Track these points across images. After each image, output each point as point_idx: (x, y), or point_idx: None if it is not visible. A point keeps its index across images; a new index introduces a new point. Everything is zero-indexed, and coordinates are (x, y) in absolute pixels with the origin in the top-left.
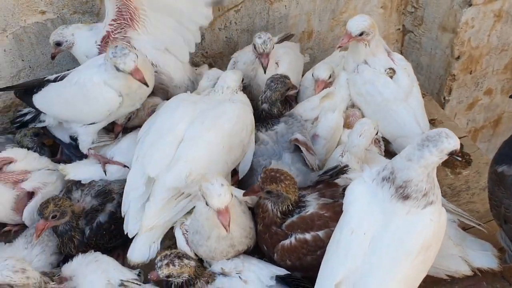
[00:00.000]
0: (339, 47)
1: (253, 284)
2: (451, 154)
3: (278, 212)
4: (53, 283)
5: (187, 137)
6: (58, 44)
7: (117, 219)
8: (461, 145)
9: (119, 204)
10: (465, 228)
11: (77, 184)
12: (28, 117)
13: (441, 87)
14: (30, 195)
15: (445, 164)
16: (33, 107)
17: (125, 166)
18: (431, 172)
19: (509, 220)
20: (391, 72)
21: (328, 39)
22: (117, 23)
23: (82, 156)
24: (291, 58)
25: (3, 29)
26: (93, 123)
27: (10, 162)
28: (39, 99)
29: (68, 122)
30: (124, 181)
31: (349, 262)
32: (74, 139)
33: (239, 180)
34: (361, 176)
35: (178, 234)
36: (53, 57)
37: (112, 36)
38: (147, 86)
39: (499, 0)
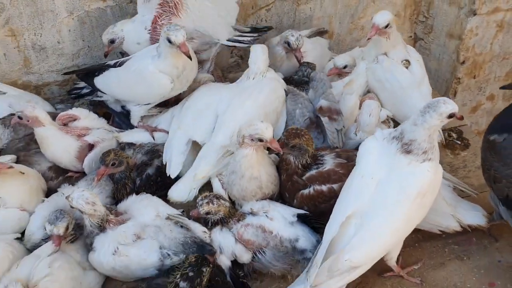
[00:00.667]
0: (368, 38)
1: (277, 220)
2: (451, 116)
3: (299, 164)
4: (112, 215)
5: (227, 109)
6: (112, 41)
7: (162, 173)
8: (461, 131)
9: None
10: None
11: (129, 144)
12: (84, 90)
13: (447, 90)
14: (91, 147)
15: (446, 146)
16: (94, 87)
17: (167, 132)
18: (432, 134)
19: (498, 180)
20: (407, 63)
21: (347, 40)
22: (163, 10)
23: (131, 124)
24: (317, 53)
25: (70, 12)
26: (147, 104)
27: (75, 120)
28: (100, 82)
29: (125, 102)
30: None
31: (358, 200)
32: (124, 108)
33: None
34: (373, 135)
35: (215, 182)
36: (106, 55)
37: (159, 22)
38: (191, 59)
39: (501, 11)
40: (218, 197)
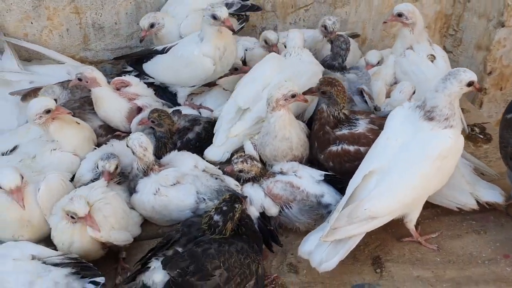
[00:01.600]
0: (384, 22)
1: (305, 179)
2: (469, 85)
3: (331, 115)
4: (156, 165)
5: (272, 83)
6: (152, 25)
7: (201, 138)
8: (484, 127)
9: (204, 128)
10: None
11: (176, 111)
12: (132, 74)
13: (473, 101)
14: (139, 110)
15: (469, 139)
16: (143, 73)
17: (211, 110)
18: (453, 101)
19: None
20: (432, 57)
21: (378, 47)
22: None
23: (174, 99)
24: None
25: None
26: (192, 86)
27: (126, 86)
28: (149, 67)
29: (172, 85)
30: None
31: (382, 158)
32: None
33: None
34: (401, 105)
35: (247, 144)
36: (141, 40)
37: None
38: (233, 31)
39: None
40: (252, 158)
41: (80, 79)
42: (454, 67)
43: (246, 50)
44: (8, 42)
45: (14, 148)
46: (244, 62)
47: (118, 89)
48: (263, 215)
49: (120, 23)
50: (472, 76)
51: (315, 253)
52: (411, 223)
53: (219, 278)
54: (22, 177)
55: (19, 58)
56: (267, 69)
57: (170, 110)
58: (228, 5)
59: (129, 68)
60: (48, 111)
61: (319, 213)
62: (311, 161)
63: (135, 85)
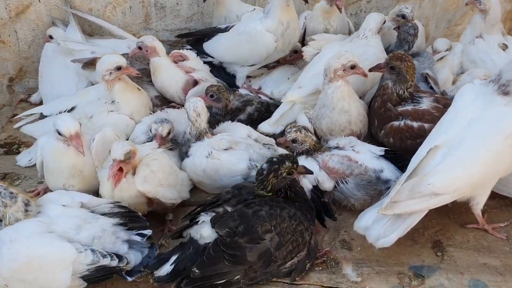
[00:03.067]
0: (466, 4)
1: (364, 153)
2: None
3: (395, 93)
4: (210, 133)
5: None
6: None
7: (253, 120)
8: None
9: (257, 109)
10: None
11: (232, 90)
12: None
13: None
14: (195, 83)
15: None
16: (204, 53)
17: (270, 98)
18: None
19: None
20: (504, 46)
21: None
22: None
23: (228, 78)
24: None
25: None
26: (252, 65)
27: (184, 60)
28: (209, 46)
29: (231, 64)
30: None
31: (450, 132)
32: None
33: None
34: (471, 82)
35: (302, 116)
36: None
37: None
38: (307, 2)
39: None
40: (306, 129)
41: (140, 48)
42: None
43: (305, 18)
44: (74, 14)
45: (72, 109)
46: (304, 34)
47: (175, 62)
48: (316, 188)
49: (181, 4)
50: None
51: (372, 229)
52: (477, 207)
53: (270, 243)
54: (80, 125)
55: (83, 32)
56: (335, 49)
57: None
58: None
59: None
60: (119, 68)
61: (378, 188)
62: (370, 141)
63: (193, 59)
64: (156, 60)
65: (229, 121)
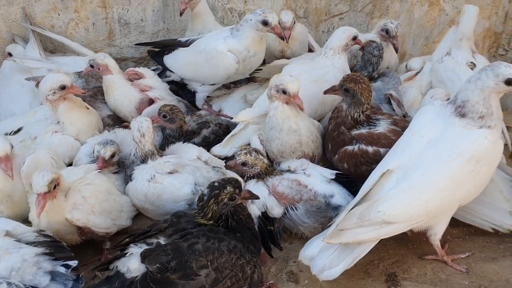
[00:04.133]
0: None
1: (314, 177)
2: (509, 83)
3: (349, 116)
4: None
5: None
6: None
7: (208, 143)
8: None
9: (212, 131)
10: None
11: (191, 112)
12: (156, 72)
13: None
14: (150, 102)
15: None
16: (163, 66)
17: (231, 118)
18: (487, 97)
19: None
20: (472, 65)
21: None
22: None
23: (191, 97)
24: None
25: None
26: (213, 84)
27: (140, 78)
28: (169, 60)
29: (191, 81)
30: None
31: (404, 155)
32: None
33: None
34: (431, 102)
35: (254, 139)
36: (181, 13)
37: None
38: (283, 40)
39: None
40: (257, 151)
41: (92, 66)
42: None
43: None
44: (34, 31)
45: (19, 130)
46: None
47: (131, 81)
48: (265, 215)
49: (146, 20)
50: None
51: (317, 259)
52: (436, 238)
53: (206, 279)
54: (12, 147)
55: (45, 50)
56: (296, 69)
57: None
58: None
59: (154, 66)
60: (63, 88)
61: (327, 215)
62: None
63: (149, 77)
64: (108, 78)
65: (181, 142)
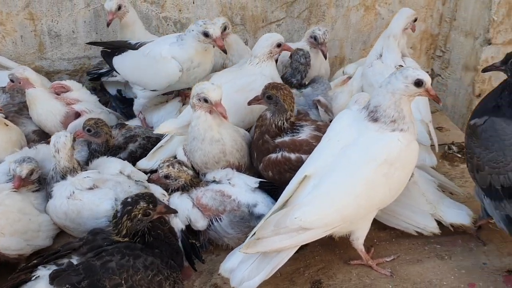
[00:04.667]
0: None
1: (239, 187)
2: (418, 84)
3: (274, 124)
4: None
5: None
6: (119, 7)
7: (135, 157)
8: (463, 146)
9: (139, 145)
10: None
11: (120, 125)
12: (102, 71)
13: (463, 126)
14: (77, 115)
15: (445, 158)
16: (111, 66)
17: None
18: (398, 101)
19: (480, 168)
20: (400, 68)
21: None
22: None
23: (125, 107)
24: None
25: (88, 4)
26: (154, 90)
27: (67, 91)
28: (117, 62)
29: (134, 84)
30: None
31: (320, 161)
32: (120, 93)
33: None
34: (348, 108)
35: (179, 150)
36: (108, 24)
37: None
38: (226, 53)
39: None
40: (180, 163)
41: (12, 80)
42: (441, 91)
43: None
44: None
45: None
46: None
47: (58, 94)
48: (190, 228)
49: (77, 31)
50: (420, 75)
51: (237, 270)
52: (358, 242)
53: None
54: None
55: None
56: (223, 77)
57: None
58: None
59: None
60: None
61: (251, 225)
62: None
63: (76, 90)
64: (31, 92)
65: (104, 157)
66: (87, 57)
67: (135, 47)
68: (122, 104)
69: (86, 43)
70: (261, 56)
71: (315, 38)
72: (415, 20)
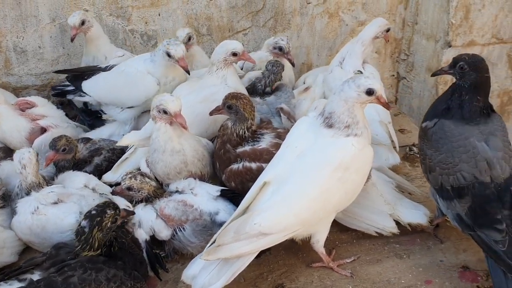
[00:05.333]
0: None
1: (201, 196)
2: (369, 93)
3: (235, 133)
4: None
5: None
6: (83, 22)
7: (101, 171)
8: None
9: (105, 158)
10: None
11: (84, 139)
12: (69, 88)
13: None
14: (43, 131)
15: (406, 159)
16: (81, 90)
17: None
18: (351, 108)
19: (432, 169)
20: (358, 73)
21: None
22: None
23: (90, 120)
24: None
25: (53, 19)
26: (131, 107)
27: (32, 106)
28: (88, 85)
29: (109, 104)
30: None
31: (279, 167)
32: (86, 105)
33: None
34: (307, 114)
35: (142, 162)
36: (72, 39)
37: None
38: (189, 73)
39: (478, 45)
40: (143, 175)
41: None
42: (407, 93)
43: None
44: None
45: None
46: None
47: (22, 110)
48: (155, 239)
49: (44, 47)
50: (372, 84)
51: (198, 277)
52: (319, 245)
53: None
54: None
55: None
56: (187, 88)
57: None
58: None
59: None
60: None
61: (213, 233)
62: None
63: (42, 106)
64: None
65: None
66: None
67: (106, 69)
68: (88, 116)
69: (54, 72)
70: (217, 63)
71: (280, 48)
72: (388, 30)
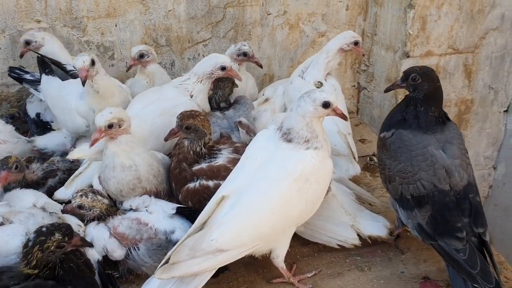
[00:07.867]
0: None
1: (156, 213)
2: (325, 106)
3: (191, 151)
4: None
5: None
6: (28, 43)
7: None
8: None
9: (60, 180)
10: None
11: (40, 158)
12: (27, 77)
13: None
14: None
15: (367, 169)
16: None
17: None
18: (310, 123)
19: (392, 179)
20: (319, 84)
21: None
22: None
23: (38, 131)
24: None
25: (2, 30)
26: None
27: None
28: (44, 82)
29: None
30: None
31: (238, 180)
32: (38, 116)
33: None
34: (267, 127)
35: (94, 178)
36: (21, 56)
37: None
38: (83, 85)
39: (435, 55)
40: (95, 192)
41: None
42: (368, 103)
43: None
44: None
45: None
46: None
47: None
48: (109, 259)
49: None
50: (326, 97)
51: None
52: (279, 260)
53: None
54: None
55: None
56: (147, 98)
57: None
58: None
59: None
60: None
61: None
62: None
63: None
64: None
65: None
66: (5, 84)
67: (68, 72)
68: (37, 127)
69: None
70: (200, 75)
71: (244, 54)
72: (356, 43)
